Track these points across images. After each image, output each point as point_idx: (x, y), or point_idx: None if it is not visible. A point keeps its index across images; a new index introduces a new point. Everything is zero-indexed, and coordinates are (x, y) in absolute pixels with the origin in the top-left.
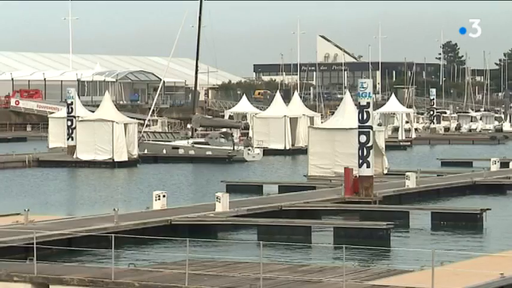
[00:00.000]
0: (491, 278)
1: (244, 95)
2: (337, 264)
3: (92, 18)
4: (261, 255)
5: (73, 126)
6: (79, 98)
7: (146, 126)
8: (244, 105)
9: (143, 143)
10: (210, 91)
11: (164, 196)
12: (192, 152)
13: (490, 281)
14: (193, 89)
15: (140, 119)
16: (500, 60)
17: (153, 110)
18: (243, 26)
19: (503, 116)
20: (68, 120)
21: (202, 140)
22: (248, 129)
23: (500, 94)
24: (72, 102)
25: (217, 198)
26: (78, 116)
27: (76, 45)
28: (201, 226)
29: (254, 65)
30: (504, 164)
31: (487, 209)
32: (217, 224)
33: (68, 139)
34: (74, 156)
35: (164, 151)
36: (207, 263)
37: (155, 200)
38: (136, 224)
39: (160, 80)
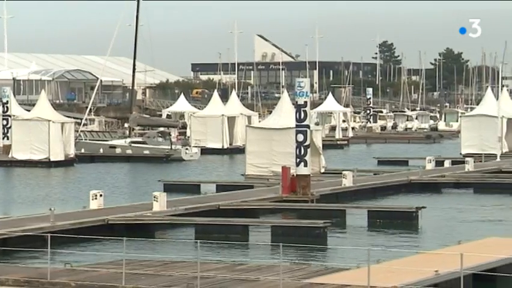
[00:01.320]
0: (426, 275)
1: (182, 94)
2: (274, 263)
3: (28, 17)
4: (199, 254)
5: (8, 125)
6: (15, 97)
7: (83, 125)
8: (181, 105)
9: (80, 142)
10: (147, 90)
11: (101, 195)
12: (129, 152)
13: (424, 278)
14: (130, 88)
15: (77, 118)
16: (435, 59)
17: (90, 109)
18: (180, 25)
19: (438, 115)
20: (3, 119)
21: (140, 139)
22: (186, 128)
23: (435, 93)
24: (7, 101)
25: (154, 197)
26: (13, 115)
27: (11, 44)
28: (138, 225)
29: (192, 64)
30: (439, 163)
31: (422, 207)
32: (154, 223)
33: (3, 138)
34: (10, 155)
35: (102, 150)
36: (144, 262)
37: (92, 199)
38: (73, 224)
39: (97, 79)
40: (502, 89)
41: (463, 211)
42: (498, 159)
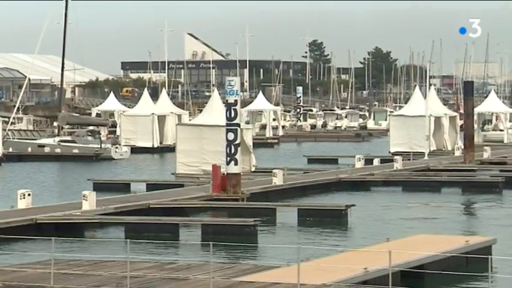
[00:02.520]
0: (355, 273)
1: (112, 92)
2: (204, 262)
3: None
4: (128, 253)
5: None
6: None
7: (11, 124)
8: (111, 103)
9: (7, 141)
10: (76, 89)
11: (29, 195)
12: (58, 150)
13: (354, 275)
14: (59, 86)
15: (4, 117)
16: (364, 58)
17: (18, 108)
18: (110, 24)
19: (367, 113)
20: None
21: (69, 138)
22: (115, 127)
23: (364, 92)
24: None
25: (83, 196)
26: None
27: None
28: (67, 225)
29: (122, 62)
30: (368, 161)
31: (352, 206)
32: (83, 222)
33: None
34: None
35: (30, 149)
36: (73, 262)
37: (20, 198)
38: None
39: (25, 77)
40: (429, 88)
41: (392, 209)
42: (426, 157)
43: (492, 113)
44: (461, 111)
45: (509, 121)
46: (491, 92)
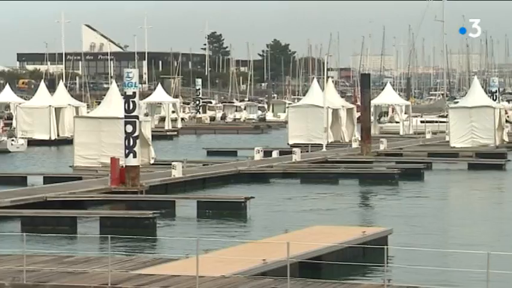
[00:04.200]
0: (254, 264)
1: (8, 84)
2: (103, 255)
3: None
4: (24, 247)
5: None
6: None
7: None
8: (7, 95)
9: None
10: None
11: None
12: None
13: (253, 266)
14: None
15: None
16: (263, 51)
17: None
18: (6, 14)
19: (266, 105)
20: None
21: None
22: (12, 119)
23: (263, 84)
24: None
25: None
26: None
27: None
28: None
29: (17, 53)
30: (267, 153)
31: (251, 197)
32: None
33: None
34: None
35: None
36: None
37: None
38: None
39: None
40: (327, 80)
41: (290, 201)
42: (324, 149)
43: (388, 105)
44: (358, 103)
45: (405, 113)
46: (387, 84)
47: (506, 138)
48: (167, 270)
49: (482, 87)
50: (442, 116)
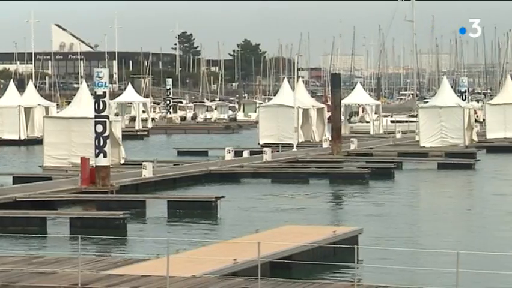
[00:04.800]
0: (225, 264)
1: None
2: (73, 255)
3: None
4: None
5: None
6: None
7: None
8: None
9: None
10: None
11: None
12: None
13: (223, 266)
14: None
15: None
16: (234, 51)
17: None
18: None
19: (237, 105)
20: None
21: None
22: None
23: (234, 84)
24: None
25: None
26: None
27: None
28: None
29: None
30: (238, 153)
31: (221, 197)
32: None
33: None
34: None
35: None
36: None
37: None
38: None
39: None
40: (298, 80)
41: (261, 200)
42: (295, 149)
43: (358, 105)
44: (329, 103)
45: (375, 113)
46: (358, 84)
47: (475, 138)
48: (138, 270)
49: (452, 87)
50: (412, 116)
